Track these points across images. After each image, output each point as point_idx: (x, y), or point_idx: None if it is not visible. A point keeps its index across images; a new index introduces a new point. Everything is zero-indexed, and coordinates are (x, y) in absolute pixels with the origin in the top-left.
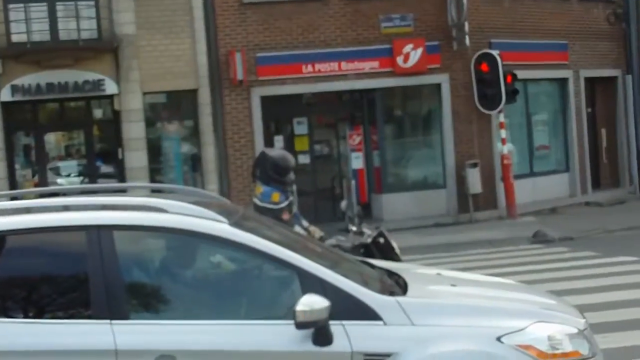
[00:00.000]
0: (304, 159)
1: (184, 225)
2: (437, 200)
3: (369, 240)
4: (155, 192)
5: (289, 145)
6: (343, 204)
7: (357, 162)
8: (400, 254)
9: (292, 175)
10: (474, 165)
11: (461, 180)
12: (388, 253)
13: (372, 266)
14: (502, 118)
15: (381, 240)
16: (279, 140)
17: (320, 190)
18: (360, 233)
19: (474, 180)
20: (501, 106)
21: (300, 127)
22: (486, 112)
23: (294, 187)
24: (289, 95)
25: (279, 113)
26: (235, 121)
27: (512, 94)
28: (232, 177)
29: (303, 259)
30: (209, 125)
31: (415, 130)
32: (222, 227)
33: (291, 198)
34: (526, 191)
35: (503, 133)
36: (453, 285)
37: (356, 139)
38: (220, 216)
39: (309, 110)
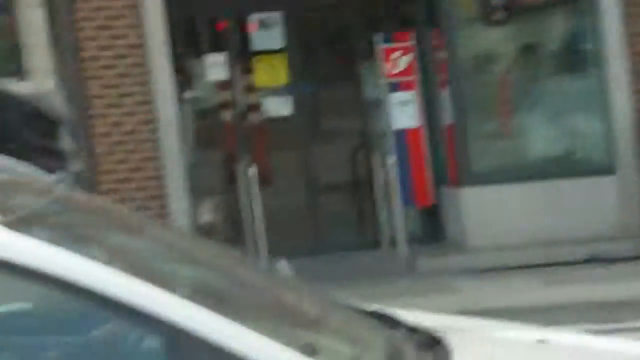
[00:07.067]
0: (277, 108)
1: None
2: (594, 202)
3: None
4: None
5: (239, 76)
6: (280, 266)
7: (403, 114)
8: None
9: (69, 141)
10: None
11: None
12: None
13: (393, 323)
14: None
15: None
16: (214, 61)
17: (322, 185)
18: None
19: None
20: None
21: (266, 35)
22: None
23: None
24: None
25: None
26: (105, 17)
27: None
28: (101, 149)
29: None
30: (35, 28)
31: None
32: None
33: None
34: None
35: None
36: None
37: (401, 60)
38: None
39: None
